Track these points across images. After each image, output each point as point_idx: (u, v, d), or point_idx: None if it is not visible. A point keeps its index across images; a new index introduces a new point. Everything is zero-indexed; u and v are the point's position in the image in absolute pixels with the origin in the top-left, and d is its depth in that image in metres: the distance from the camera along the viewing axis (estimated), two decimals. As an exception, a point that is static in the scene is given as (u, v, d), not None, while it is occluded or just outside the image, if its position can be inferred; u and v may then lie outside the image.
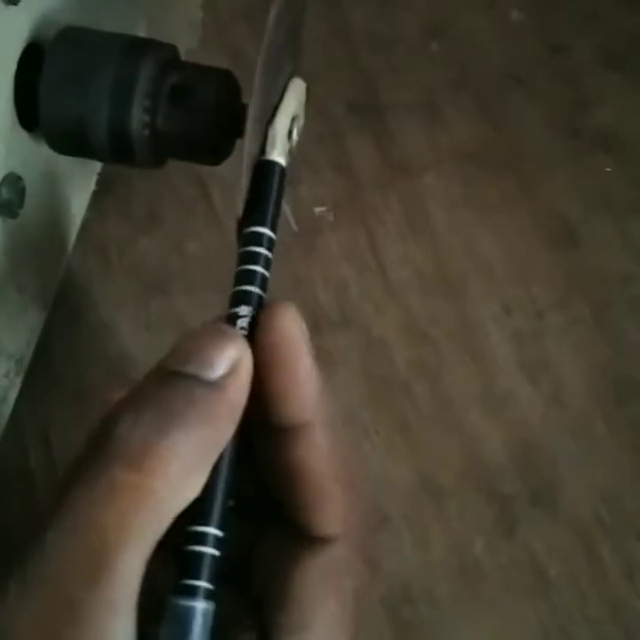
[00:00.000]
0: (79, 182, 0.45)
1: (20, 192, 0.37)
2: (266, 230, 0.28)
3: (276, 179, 0.30)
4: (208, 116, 0.35)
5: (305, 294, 0.46)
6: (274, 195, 0.29)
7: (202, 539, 0.24)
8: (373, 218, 0.48)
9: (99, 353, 0.44)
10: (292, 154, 0.36)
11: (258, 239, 0.28)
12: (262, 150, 0.31)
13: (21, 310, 0.41)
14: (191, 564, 0.24)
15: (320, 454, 0.26)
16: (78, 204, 0.46)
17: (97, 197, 0.47)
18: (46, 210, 0.41)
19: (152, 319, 0.45)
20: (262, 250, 0.28)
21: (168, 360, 0.25)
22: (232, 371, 0.25)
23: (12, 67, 0.35)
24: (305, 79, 0.36)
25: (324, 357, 0.44)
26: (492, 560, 0.41)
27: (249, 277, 0.28)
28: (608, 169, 0.49)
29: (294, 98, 0.35)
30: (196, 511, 0.24)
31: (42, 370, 0.43)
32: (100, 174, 0.47)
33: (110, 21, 0.39)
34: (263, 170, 0.30)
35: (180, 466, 0.23)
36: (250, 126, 0.31)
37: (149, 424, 0.23)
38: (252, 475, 0.27)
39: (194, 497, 0.24)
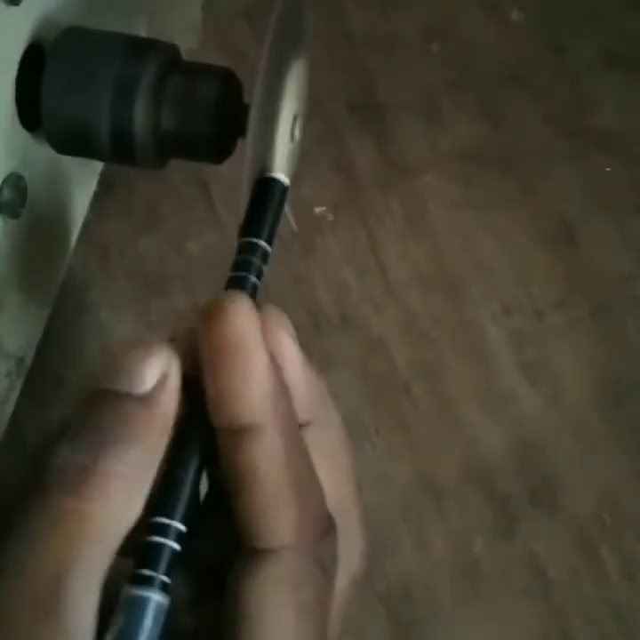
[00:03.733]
0: (80, 182, 0.45)
1: (22, 192, 0.37)
2: (262, 242, 0.29)
3: (277, 196, 0.30)
4: (210, 115, 0.35)
5: (305, 294, 0.46)
6: (273, 211, 0.30)
7: (163, 530, 0.24)
8: (373, 218, 0.48)
9: (99, 353, 0.44)
10: (293, 154, 0.36)
11: (253, 249, 0.29)
12: (264, 163, 0.31)
13: (22, 310, 0.41)
14: (149, 555, 0.24)
15: (270, 458, 0.25)
16: (79, 204, 0.46)
17: (98, 197, 0.47)
18: (48, 210, 0.41)
19: (152, 319, 0.45)
20: (256, 260, 0.28)
21: (98, 378, 0.25)
22: (160, 382, 0.25)
23: (14, 67, 0.35)
24: (307, 79, 0.36)
25: (324, 357, 0.44)
26: (492, 560, 0.41)
27: (240, 284, 0.28)
28: (608, 169, 0.49)
29: (296, 97, 0.35)
30: (160, 503, 0.24)
31: (42, 370, 0.43)
32: (102, 174, 0.47)
33: (111, 21, 0.39)
34: (265, 186, 0.30)
35: (119, 487, 0.23)
36: (252, 126, 0.31)
37: (86, 450, 0.23)
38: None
39: (137, 515, 0.24)
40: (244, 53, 0.49)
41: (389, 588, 0.41)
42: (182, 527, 0.24)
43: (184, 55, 0.38)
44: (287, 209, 0.38)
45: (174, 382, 0.25)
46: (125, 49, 0.35)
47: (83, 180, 0.45)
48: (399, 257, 0.47)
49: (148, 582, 0.23)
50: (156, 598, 0.23)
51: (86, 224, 0.46)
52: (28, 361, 0.43)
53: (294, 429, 0.26)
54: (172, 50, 0.37)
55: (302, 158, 0.39)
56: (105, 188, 0.47)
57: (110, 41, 0.36)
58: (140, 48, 0.36)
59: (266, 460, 0.25)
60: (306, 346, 0.45)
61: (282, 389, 0.26)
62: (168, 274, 0.46)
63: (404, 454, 0.43)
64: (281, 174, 0.30)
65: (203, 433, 0.25)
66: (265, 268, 0.29)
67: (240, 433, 0.25)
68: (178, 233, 0.47)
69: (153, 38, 0.37)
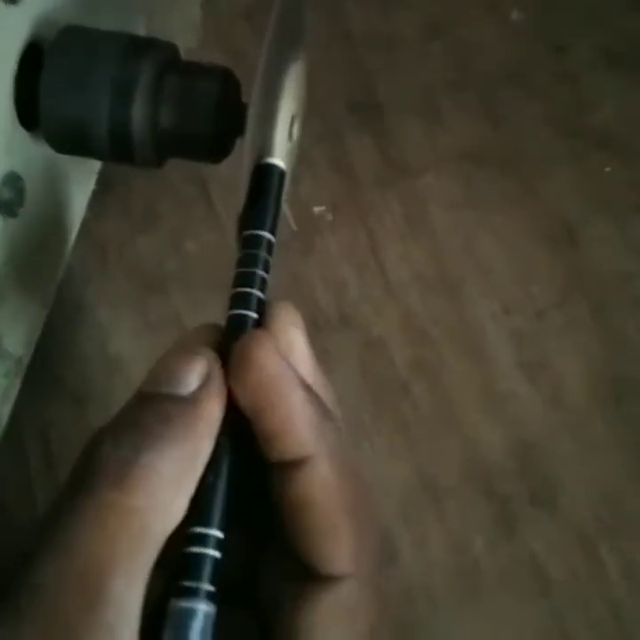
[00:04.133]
0: (79, 181, 0.45)
1: (20, 191, 0.37)
2: (265, 233, 0.28)
3: (276, 181, 0.30)
4: (209, 114, 0.35)
5: (304, 294, 0.46)
6: (273, 197, 0.29)
7: (201, 540, 0.24)
8: (373, 218, 0.48)
9: (98, 352, 0.44)
10: (292, 153, 0.36)
11: (257, 242, 0.28)
12: (262, 152, 0.31)
13: (21, 310, 0.41)
14: (191, 566, 0.24)
15: (324, 488, 0.25)
16: (78, 203, 0.46)
17: (96, 197, 0.47)
18: (46, 209, 0.41)
19: (151, 318, 0.45)
20: (262, 252, 0.28)
21: (143, 384, 0.26)
22: (203, 384, 0.25)
23: (12, 66, 0.35)
24: (306, 79, 0.36)
25: (323, 357, 0.44)
26: (492, 560, 0.41)
27: (248, 280, 0.28)
28: (608, 169, 0.49)
29: (294, 96, 0.35)
30: (196, 513, 0.24)
31: (42, 370, 0.43)
32: (100, 173, 0.47)
33: (110, 21, 0.39)
34: (262, 172, 0.30)
35: (161, 482, 0.23)
36: (250, 125, 0.31)
37: (128, 444, 0.24)
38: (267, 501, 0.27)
39: (182, 514, 0.24)
40: (244, 53, 0.49)
41: (389, 589, 0.41)
42: (220, 534, 0.24)
43: (183, 54, 0.38)
44: (286, 209, 0.38)
45: (217, 385, 0.25)
46: (124, 48, 0.35)
47: (81, 180, 0.45)
48: (399, 257, 0.47)
49: (193, 594, 0.23)
50: (203, 609, 0.23)
51: (85, 223, 0.46)
52: (27, 361, 0.43)
53: (344, 452, 0.26)
54: (171, 49, 0.37)
55: (302, 158, 0.39)
56: (103, 187, 0.47)
57: (109, 40, 0.36)
58: (138, 47, 0.36)
59: (320, 490, 0.25)
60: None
61: (323, 414, 0.26)
62: (167, 273, 0.46)
63: (404, 454, 0.43)
64: (277, 160, 0.30)
65: (233, 438, 0.25)
66: (271, 260, 0.29)
67: (292, 466, 0.25)
68: (176, 232, 0.47)
69: (152, 37, 0.37)
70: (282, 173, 0.30)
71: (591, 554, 0.41)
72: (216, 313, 0.45)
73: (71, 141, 0.36)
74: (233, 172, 0.31)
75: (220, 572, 0.24)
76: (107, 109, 0.35)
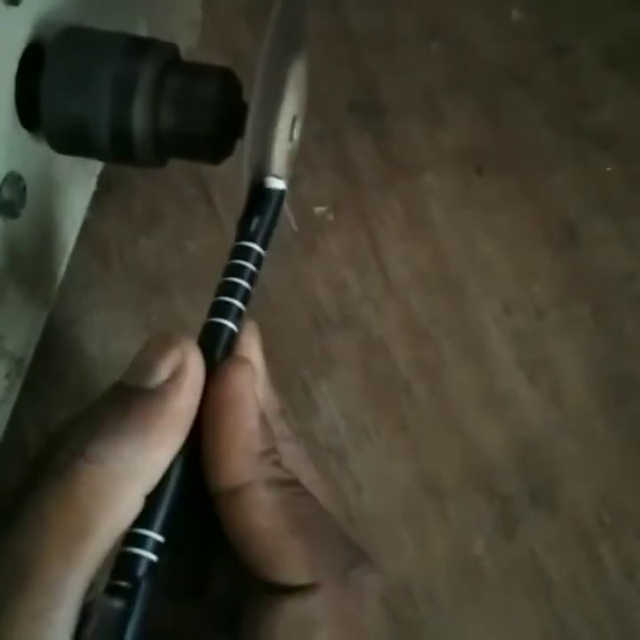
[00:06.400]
0: (80, 182, 0.45)
1: (21, 192, 0.37)
2: (256, 246, 0.29)
3: (274, 201, 0.30)
4: (209, 114, 0.35)
5: (305, 294, 0.46)
6: (270, 215, 0.30)
7: (137, 541, 0.24)
8: (373, 217, 0.48)
9: (99, 353, 0.44)
10: (292, 154, 0.36)
11: (247, 254, 0.28)
12: (262, 163, 0.31)
13: (22, 310, 0.41)
14: (122, 565, 0.23)
15: (262, 512, 0.24)
16: (79, 203, 0.46)
17: (97, 197, 0.47)
18: (47, 209, 0.41)
19: (152, 319, 0.45)
20: (249, 264, 0.28)
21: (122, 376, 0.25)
22: (172, 377, 0.24)
23: (13, 67, 0.35)
24: (306, 79, 0.36)
25: (324, 357, 0.44)
26: (492, 560, 0.41)
27: (232, 290, 0.28)
28: (608, 169, 0.49)
29: (295, 97, 0.35)
30: (140, 513, 0.24)
31: (42, 370, 0.43)
32: (101, 174, 0.47)
33: (111, 21, 0.39)
34: (262, 191, 0.30)
35: (106, 476, 0.23)
36: (251, 126, 0.31)
37: (80, 435, 0.23)
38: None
39: (135, 510, 0.23)
40: (244, 53, 0.49)
41: (389, 588, 0.41)
42: (160, 538, 0.24)
43: (183, 54, 0.38)
44: (287, 209, 0.38)
45: (191, 378, 0.24)
46: (125, 48, 0.35)
47: (82, 180, 0.45)
48: (399, 257, 0.47)
49: (119, 592, 0.23)
50: (118, 605, 0.23)
51: (86, 224, 0.46)
52: (28, 361, 0.43)
53: (287, 477, 0.25)
54: (171, 49, 0.37)
55: (302, 158, 0.39)
56: (104, 187, 0.47)
57: (110, 40, 0.36)
58: (139, 47, 0.36)
59: (257, 514, 0.24)
60: (306, 346, 0.45)
61: (264, 440, 0.25)
62: (167, 273, 0.46)
63: (404, 454, 0.43)
64: (278, 180, 0.30)
65: (186, 446, 0.25)
66: (260, 273, 0.29)
67: (231, 494, 0.24)
68: (177, 233, 0.47)
69: (152, 38, 0.37)
70: (281, 194, 0.30)
71: (591, 554, 0.41)
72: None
73: (72, 142, 0.36)
74: (234, 173, 0.31)
75: (162, 571, 0.24)
76: (107, 109, 0.35)
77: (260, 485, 0.24)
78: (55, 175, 0.41)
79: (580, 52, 0.52)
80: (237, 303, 0.28)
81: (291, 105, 0.34)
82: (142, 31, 0.46)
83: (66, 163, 0.41)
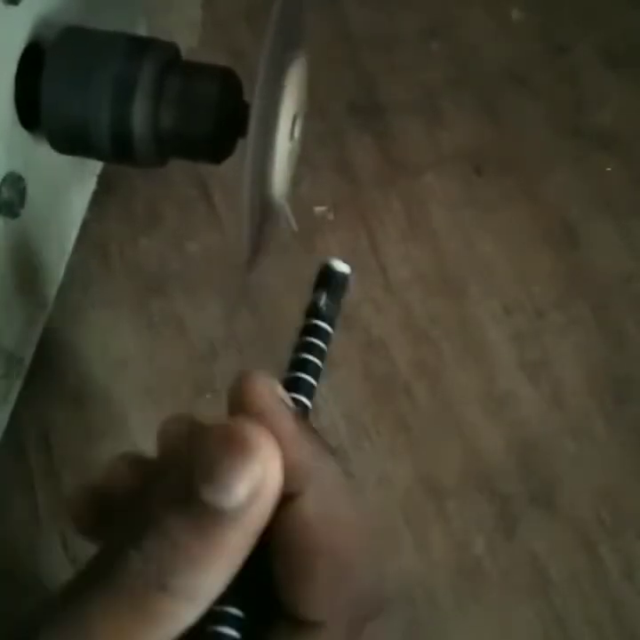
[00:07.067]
0: (80, 182, 0.45)
1: (21, 192, 0.37)
2: (327, 326, 0.29)
3: (340, 284, 0.30)
4: (210, 114, 0.35)
5: (304, 293, 0.46)
6: (337, 298, 0.30)
7: (223, 618, 0.23)
8: (373, 217, 0.48)
9: (99, 353, 0.44)
10: (293, 153, 0.36)
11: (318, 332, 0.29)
12: (263, 163, 0.31)
13: (22, 310, 0.41)
14: None
15: (304, 528, 0.24)
16: (79, 203, 0.46)
17: (97, 197, 0.47)
18: (47, 209, 0.41)
19: (152, 319, 0.45)
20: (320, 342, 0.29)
21: (193, 477, 0.22)
22: (252, 495, 0.22)
23: (13, 67, 0.35)
24: (306, 79, 0.36)
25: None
26: (492, 560, 0.41)
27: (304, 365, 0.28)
28: (608, 169, 0.49)
29: (295, 96, 0.35)
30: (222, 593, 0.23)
31: (42, 370, 0.43)
32: (101, 174, 0.47)
33: (111, 21, 0.39)
34: (328, 273, 0.31)
35: (186, 605, 0.22)
36: (252, 126, 0.31)
37: (158, 562, 0.22)
38: None
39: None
40: (244, 53, 0.49)
41: (389, 589, 0.41)
42: (240, 613, 0.23)
43: (184, 54, 0.38)
44: (287, 208, 0.38)
45: (269, 495, 0.23)
46: (125, 48, 0.35)
47: (82, 180, 0.45)
48: (399, 257, 0.47)
49: None
50: None
51: (85, 224, 0.46)
52: (28, 361, 0.43)
53: (334, 499, 0.25)
54: (171, 49, 0.37)
55: (302, 158, 0.39)
56: (104, 187, 0.47)
57: (110, 40, 0.36)
58: (139, 47, 0.36)
59: (301, 530, 0.24)
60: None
61: (318, 453, 0.25)
62: (167, 273, 0.46)
63: (404, 454, 0.43)
64: (343, 265, 0.30)
65: None
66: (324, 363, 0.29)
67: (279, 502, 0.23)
68: (177, 233, 0.47)
69: (153, 37, 0.37)
70: (345, 277, 0.31)
71: (591, 554, 0.41)
72: (216, 313, 0.46)
73: (72, 142, 0.36)
74: (234, 173, 0.31)
75: None
76: (107, 109, 0.35)
77: (309, 501, 0.24)
78: (55, 175, 0.41)
79: (580, 51, 0.52)
80: (310, 379, 0.28)
81: (291, 104, 0.34)
82: (142, 31, 0.46)
83: (66, 163, 0.41)
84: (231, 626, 0.23)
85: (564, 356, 0.45)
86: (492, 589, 0.41)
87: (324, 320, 0.29)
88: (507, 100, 0.51)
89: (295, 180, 0.39)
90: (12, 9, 0.34)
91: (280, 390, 0.25)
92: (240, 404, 0.24)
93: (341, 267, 0.30)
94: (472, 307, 0.46)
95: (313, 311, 0.30)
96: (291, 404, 0.26)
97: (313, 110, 0.39)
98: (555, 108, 0.51)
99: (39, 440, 0.42)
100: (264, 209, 0.36)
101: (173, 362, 0.44)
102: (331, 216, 0.48)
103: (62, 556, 0.40)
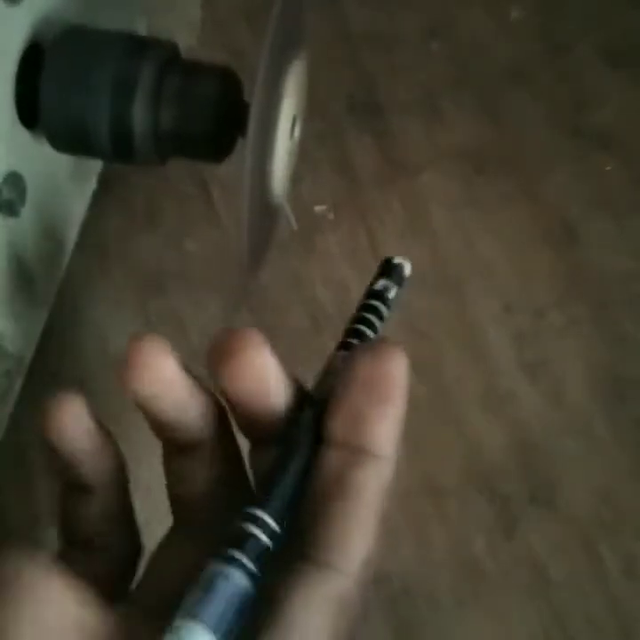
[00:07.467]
0: (80, 181, 0.45)
1: (21, 191, 0.37)
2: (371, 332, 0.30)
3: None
4: (209, 113, 0.35)
5: (304, 293, 0.46)
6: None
7: (258, 523, 0.23)
8: (373, 217, 0.48)
9: (99, 352, 0.44)
10: (292, 153, 0.36)
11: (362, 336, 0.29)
12: (263, 163, 0.31)
13: (22, 309, 0.41)
14: (238, 539, 0.23)
15: (380, 487, 0.25)
16: (79, 202, 0.46)
17: (97, 196, 0.47)
18: (47, 209, 0.41)
19: (152, 318, 0.45)
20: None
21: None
22: None
23: (13, 66, 0.35)
24: (306, 78, 0.36)
25: (323, 357, 0.44)
26: (492, 560, 0.41)
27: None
28: (608, 168, 0.49)
29: (295, 96, 0.35)
30: (261, 498, 0.24)
31: (42, 370, 0.43)
32: (101, 173, 0.47)
33: (110, 20, 0.39)
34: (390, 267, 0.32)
35: None
36: (252, 125, 0.31)
37: None
38: None
39: None
40: (244, 52, 0.49)
41: (389, 588, 0.41)
42: (277, 528, 0.24)
43: (183, 53, 0.38)
44: (287, 208, 0.38)
45: None
46: (125, 47, 0.35)
47: (82, 179, 0.45)
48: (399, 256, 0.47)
49: (233, 562, 0.22)
50: (238, 577, 0.22)
51: (85, 223, 0.46)
52: (28, 360, 0.42)
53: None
54: (171, 48, 0.37)
55: (302, 158, 0.39)
56: (104, 186, 0.47)
57: (109, 39, 0.36)
58: (139, 46, 0.36)
59: (376, 487, 0.25)
60: (305, 345, 0.45)
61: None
62: (167, 272, 0.46)
63: (404, 454, 0.43)
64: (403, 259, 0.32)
65: (310, 440, 0.25)
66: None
67: (362, 454, 0.25)
68: (177, 231, 0.47)
69: (152, 36, 0.37)
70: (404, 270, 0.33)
71: (591, 553, 0.41)
72: (216, 312, 0.46)
73: (72, 141, 0.36)
74: (234, 172, 0.31)
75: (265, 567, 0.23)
76: (107, 109, 0.35)
77: (392, 467, 0.26)
78: (55, 174, 0.41)
79: (581, 51, 0.52)
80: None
81: (291, 103, 0.34)
82: (142, 30, 0.46)
83: (66, 162, 0.41)
84: (266, 534, 0.23)
85: (564, 356, 0.45)
86: (492, 589, 0.41)
87: (384, 303, 0.31)
88: (507, 100, 0.51)
89: (295, 180, 0.39)
90: (12, 9, 0.34)
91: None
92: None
93: (404, 263, 0.32)
94: (472, 306, 0.46)
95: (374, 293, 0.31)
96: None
97: (313, 110, 0.39)
98: (555, 108, 0.51)
99: (39, 440, 0.42)
100: (264, 208, 0.36)
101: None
102: (331, 216, 0.48)
103: (62, 555, 0.40)
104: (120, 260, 0.46)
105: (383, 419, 0.25)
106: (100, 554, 0.28)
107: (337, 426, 0.25)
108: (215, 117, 0.35)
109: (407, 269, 0.32)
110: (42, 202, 0.40)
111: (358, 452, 0.25)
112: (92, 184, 0.47)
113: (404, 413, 0.26)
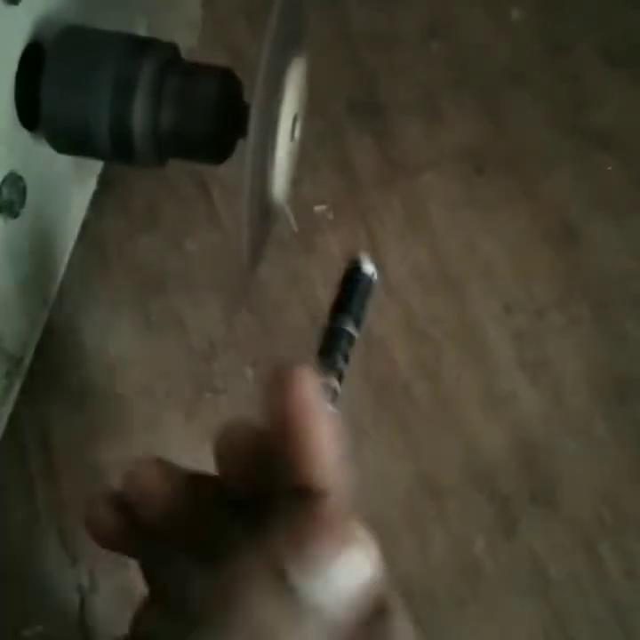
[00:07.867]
0: (80, 181, 0.45)
1: (21, 192, 0.37)
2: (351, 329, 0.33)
3: (366, 286, 0.34)
4: (209, 114, 0.35)
5: (304, 293, 0.46)
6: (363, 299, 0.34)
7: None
8: (373, 216, 0.48)
9: (99, 352, 0.44)
10: (293, 153, 0.36)
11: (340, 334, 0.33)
12: (263, 163, 0.31)
13: (22, 310, 0.41)
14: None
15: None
16: (79, 203, 0.46)
17: (97, 196, 0.47)
18: (47, 209, 0.41)
19: (151, 318, 0.45)
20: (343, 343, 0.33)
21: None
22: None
23: (13, 66, 0.35)
24: (306, 79, 0.36)
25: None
26: (493, 560, 0.41)
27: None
28: (609, 168, 0.49)
29: (295, 96, 0.35)
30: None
31: (42, 370, 0.43)
32: (101, 174, 0.47)
33: (111, 21, 0.39)
34: (355, 274, 0.34)
35: None
36: (252, 126, 0.31)
37: None
38: None
39: None
40: (244, 52, 0.49)
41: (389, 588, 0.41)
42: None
43: (183, 54, 0.38)
44: (287, 208, 0.38)
45: None
46: (125, 48, 0.35)
47: (82, 180, 0.45)
48: (399, 256, 0.47)
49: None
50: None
51: (85, 223, 0.46)
52: (28, 361, 0.43)
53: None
54: (171, 49, 0.37)
55: (302, 158, 0.39)
56: (104, 187, 0.47)
57: (110, 40, 0.36)
58: (139, 47, 0.36)
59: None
60: (305, 345, 0.45)
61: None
62: (167, 272, 0.46)
63: (404, 454, 0.43)
64: (369, 266, 0.34)
65: None
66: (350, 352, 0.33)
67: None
68: (177, 232, 0.47)
69: (152, 37, 0.37)
70: (371, 278, 0.34)
71: (591, 553, 0.41)
72: (216, 312, 0.46)
73: (72, 141, 0.36)
74: (234, 173, 0.31)
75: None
76: (107, 109, 0.35)
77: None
78: (55, 175, 0.41)
79: (580, 51, 0.52)
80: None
81: (291, 104, 0.34)
82: (142, 31, 0.46)
83: (66, 162, 0.41)
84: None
85: (564, 356, 0.45)
86: (492, 589, 0.41)
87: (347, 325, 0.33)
88: (507, 100, 0.51)
89: (295, 180, 0.39)
90: (12, 9, 0.34)
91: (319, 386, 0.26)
92: (281, 398, 0.25)
93: (368, 270, 0.34)
94: (472, 306, 0.46)
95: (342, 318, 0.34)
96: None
97: (313, 110, 0.39)
98: (555, 108, 0.51)
99: (39, 440, 0.42)
100: (264, 209, 0.36)
101: (173, 361, 0.44)
102: (331, 216, 0.48)
103: (62, 555, 0.40)
104: (120, 260, 0.46)
105: (313, 449, 0.25)
106: None
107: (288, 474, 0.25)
108: (215, 118, 0.35)
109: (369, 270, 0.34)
110: (42, 202, 0.40)
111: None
112: (92, 184, 0.47)
113: (329, 421, 0.25)
